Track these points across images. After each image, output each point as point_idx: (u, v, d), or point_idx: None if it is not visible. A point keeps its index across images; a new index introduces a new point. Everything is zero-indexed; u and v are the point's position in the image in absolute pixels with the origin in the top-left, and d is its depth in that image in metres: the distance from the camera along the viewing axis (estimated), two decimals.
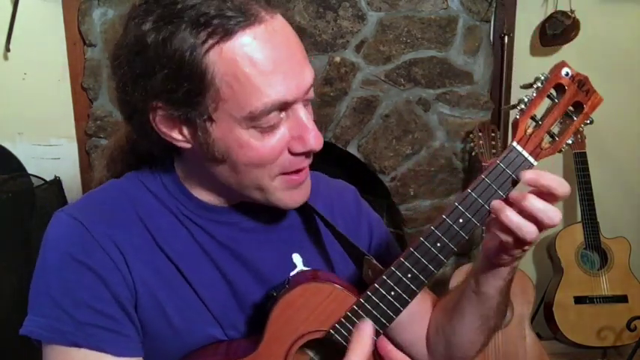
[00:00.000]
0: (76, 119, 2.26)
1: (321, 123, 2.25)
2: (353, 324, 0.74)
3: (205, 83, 0.68)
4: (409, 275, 0.73)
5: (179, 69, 0.67)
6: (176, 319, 0.77)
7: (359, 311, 0.74)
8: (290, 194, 0.78)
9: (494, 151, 2.15)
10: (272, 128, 0.71)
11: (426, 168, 2.33)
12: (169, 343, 0.77)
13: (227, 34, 0.67)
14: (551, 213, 0.68)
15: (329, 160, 2.42)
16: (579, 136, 2.32)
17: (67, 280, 0.73)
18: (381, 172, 2.32)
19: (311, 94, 0.75)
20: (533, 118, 0.71)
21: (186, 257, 0.79)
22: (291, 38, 0.72)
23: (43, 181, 2.17)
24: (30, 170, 2.22)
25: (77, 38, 2.18)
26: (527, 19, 2.36)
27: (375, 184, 2.37)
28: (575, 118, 0.72)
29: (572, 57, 2.38)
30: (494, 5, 2.23)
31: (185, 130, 0.73)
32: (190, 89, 0.68)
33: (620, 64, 2.41)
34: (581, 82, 0.70)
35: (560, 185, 0.68)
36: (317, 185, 0.90)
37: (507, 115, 2.37)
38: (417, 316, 0.93)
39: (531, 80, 0.70)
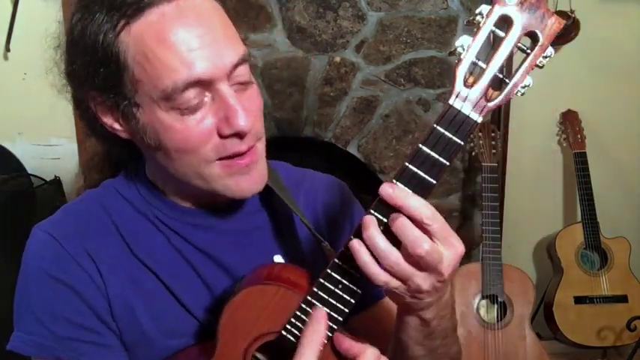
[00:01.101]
0: (76, 119, 2.25)
1: (321, 123, 2.25)
2: (303, 323, 0.68)
3: (120, 66, 0.67)
4: (354, 264, 0.64)
5: (95, 54, 0.68)
6: (151, 330, 0.76)
7: (307, 309, 0.68)
8: (236, 181, 0.72)
9: (494, 151, 2.15)
10: (193, 110, 0.67)
11: None
12: (144, 354, 0.76)
13: (136, 13, 0.66)
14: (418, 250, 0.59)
15: (329, 160, 2.43)
16: (579, 136, 2.32)
17: (45, 296, 0.74)
18: (381, 172, 2.32)
19: (243, 77, 0.70)
20: (474, 63, 0.58)
21: (165, 264, 0.77)
22: (207, 16, 0.68)
23: (43, 181, 2.17)
24: (30, 170, 2.21)
25: None
26: None
27: (375, 184, 2.36)
28: (530, 52, 0.57)
29: (573, 57, 2.40)
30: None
31: (122, 120, 0.72)
32: (108, 73, 0.68)
33: (620, 64, 2.40)
34: (533, 7, 0.56)
35: (429, 211, 0.59)
36: (302, 179, 0.89)
37: (507, 115, 2.38)
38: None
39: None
